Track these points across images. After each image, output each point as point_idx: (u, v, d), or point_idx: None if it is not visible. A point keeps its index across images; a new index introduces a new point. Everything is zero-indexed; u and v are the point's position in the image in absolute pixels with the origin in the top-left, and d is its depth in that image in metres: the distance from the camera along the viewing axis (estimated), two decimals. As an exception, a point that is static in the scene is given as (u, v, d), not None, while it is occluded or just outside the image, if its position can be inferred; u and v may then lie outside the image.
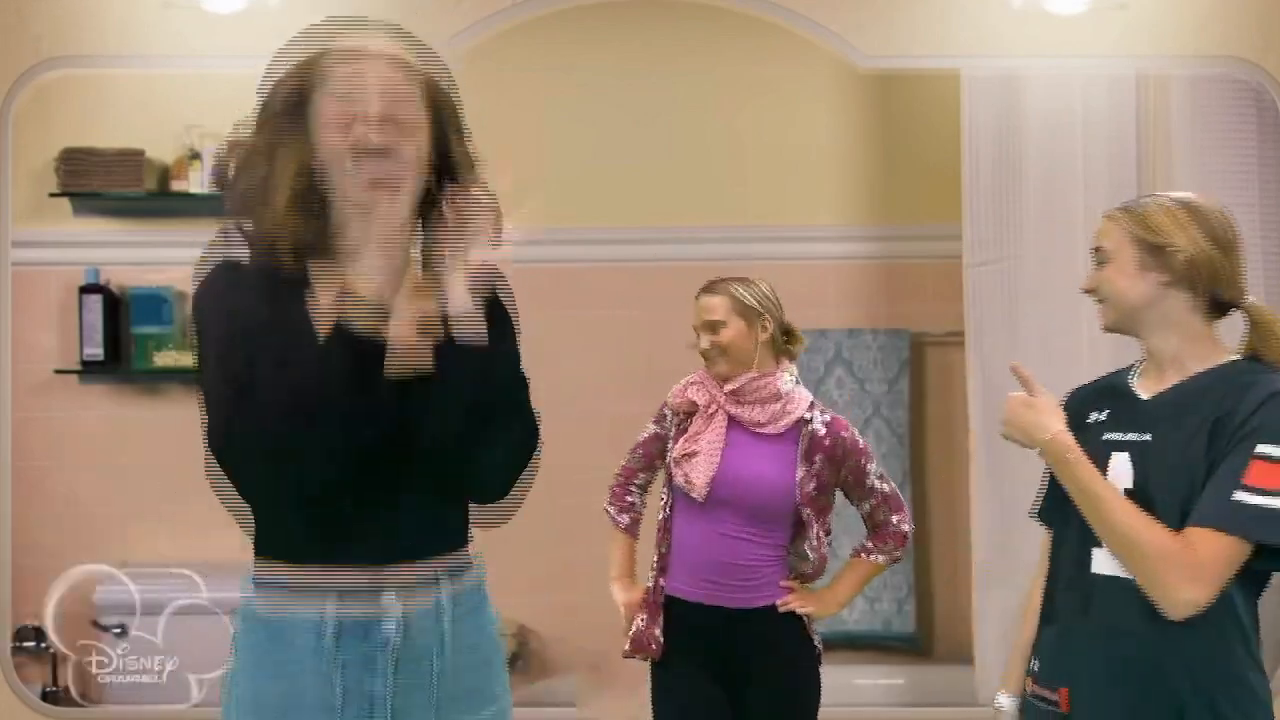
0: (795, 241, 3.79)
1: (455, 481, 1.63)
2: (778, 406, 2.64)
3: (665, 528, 2.69)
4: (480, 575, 1.73)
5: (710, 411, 2.67)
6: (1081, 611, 1.93)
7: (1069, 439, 1.93)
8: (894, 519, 2.68)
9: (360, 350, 1.49)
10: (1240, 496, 1.81)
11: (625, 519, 2.78)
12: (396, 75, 1.57)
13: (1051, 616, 2.00)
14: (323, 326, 1.51)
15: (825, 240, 3.84)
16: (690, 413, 2.69)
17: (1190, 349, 1.95)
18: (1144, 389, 1.98)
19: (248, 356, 1.50)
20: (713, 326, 2.68)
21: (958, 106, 3.48)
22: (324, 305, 1.52)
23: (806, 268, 3.66)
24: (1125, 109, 3.43)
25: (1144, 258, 1.95)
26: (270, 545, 1.62)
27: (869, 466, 2.67)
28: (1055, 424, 1.94)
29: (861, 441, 2.68)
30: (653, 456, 2.78)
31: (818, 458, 2.62)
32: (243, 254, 1.58)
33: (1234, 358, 1.95)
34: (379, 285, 1.51)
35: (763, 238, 3.72)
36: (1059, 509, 2.01)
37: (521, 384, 1.65)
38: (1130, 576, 1.86)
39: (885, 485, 2.69)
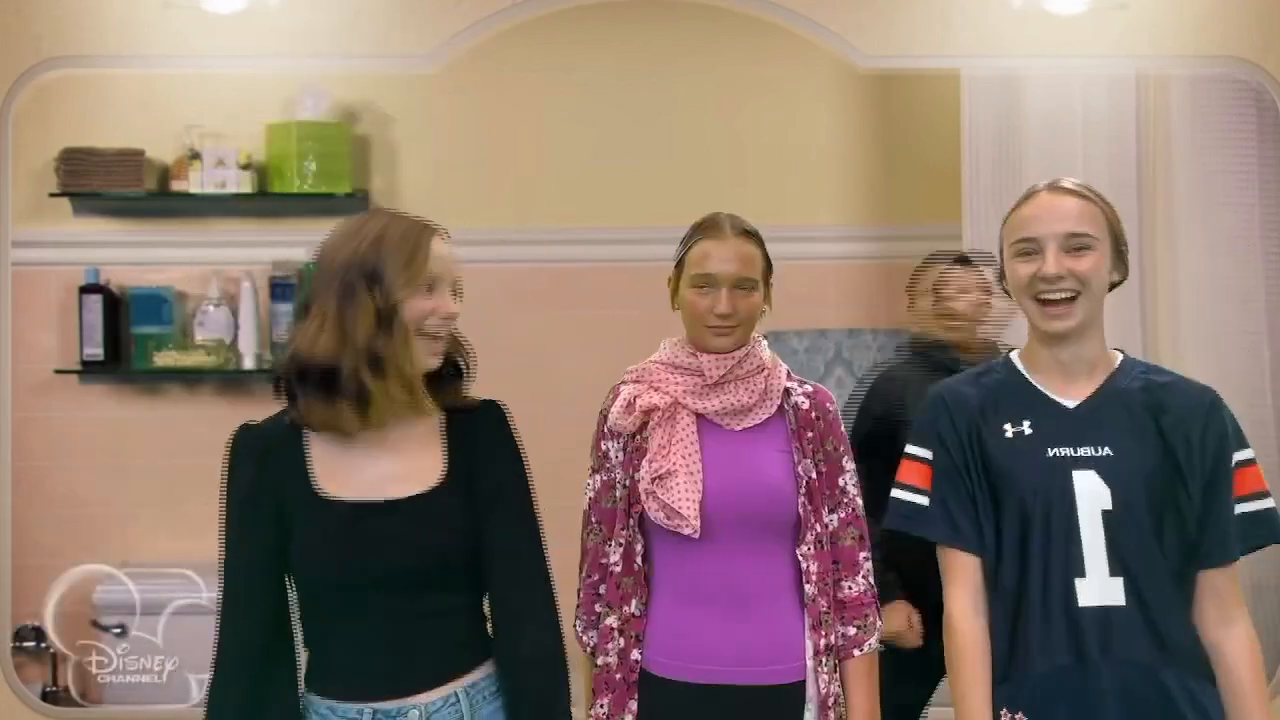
0: (795, 241, 3.75)
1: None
2: (761, 378, 2.08)
3: (641, 581, 2.05)
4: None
5: (670, 414, 2.06)
6: (1074, 649, 1.77)
7: None
8: (857, 580, 2.07)
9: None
10: (1241, 509, 1.81)
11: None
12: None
13: (1032, 656, 1.79)
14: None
15: (825, 240, 3.83)
16: (640, 427, 2.08)
17: (1105, 351, 1.90)
18: (1062, 395, 1.85)
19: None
20: (745, 284, 2.06)
21: (958, 106, 3.48)
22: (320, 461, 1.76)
23: (806, 268, 3.64)
24: (1125, 109, 3.43)
25: (1114, 253, 1.86)
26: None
27: (847, 461, 2.11)
28: None
29: (843, 427, 2.14)
30: (614, 520, 2.09)
31: (809, 434, 2.07)
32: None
33: (1118, 353, 1.89)
34: None
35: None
36: (968, 524, 1.84)
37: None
38: (1122, 604, 1.76)
39: (859, 499, 2.10)
